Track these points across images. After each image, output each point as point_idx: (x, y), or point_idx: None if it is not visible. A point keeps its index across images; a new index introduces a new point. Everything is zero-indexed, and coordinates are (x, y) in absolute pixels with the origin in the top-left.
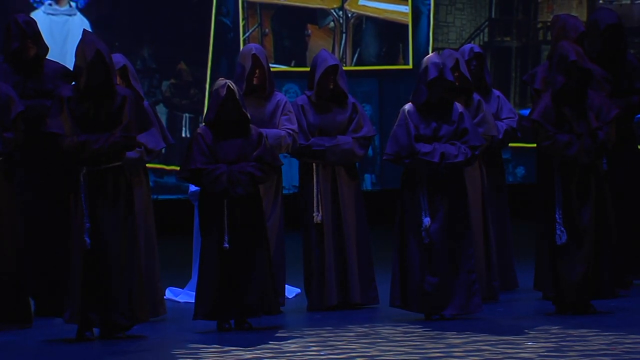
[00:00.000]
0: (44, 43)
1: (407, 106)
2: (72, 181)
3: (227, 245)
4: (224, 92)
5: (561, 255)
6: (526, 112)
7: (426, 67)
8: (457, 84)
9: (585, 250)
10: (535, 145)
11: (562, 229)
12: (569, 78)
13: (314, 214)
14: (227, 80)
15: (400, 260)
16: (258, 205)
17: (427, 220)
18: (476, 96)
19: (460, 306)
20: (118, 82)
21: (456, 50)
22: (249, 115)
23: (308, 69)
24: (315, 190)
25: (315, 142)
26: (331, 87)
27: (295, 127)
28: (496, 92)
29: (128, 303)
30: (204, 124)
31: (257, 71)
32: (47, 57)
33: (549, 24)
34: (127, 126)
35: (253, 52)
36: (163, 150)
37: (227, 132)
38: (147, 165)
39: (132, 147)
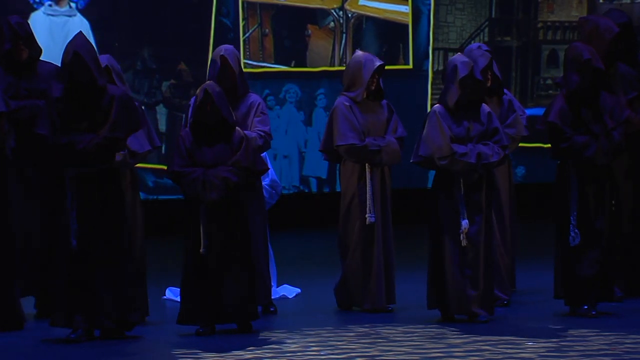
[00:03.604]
0: (37, 45)
1: (437, 108)
2: (59, 182)
3: (204, 250)
4: (201, 96)
5: (574, 256)
6: (529, 111)
7: (455, 66)
8: (488, 83)
9: (599, 252)
10: (533, 145)
11: (577, 231)
12: (583, 78)
13: (367, 215)
14: (208, 84)
15: (436, 263)
16: (240, 210)
17: (465, 223)
18: (506, 96)
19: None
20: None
21: (460, 50)
22: (230, 119)
23: (308, 69)
24: (369, 192)
25: (372, 143)
26: (373, 88)
27: (267, 128)
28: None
29: (115, 305)
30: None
31: (225, 73)
32: (40, 59)
33: (549, 23)
34: (113, 127)
35: (222, 53)
36: (143, 154)
37: (209, 136)
38: (148, 165)
39: (120, 148)
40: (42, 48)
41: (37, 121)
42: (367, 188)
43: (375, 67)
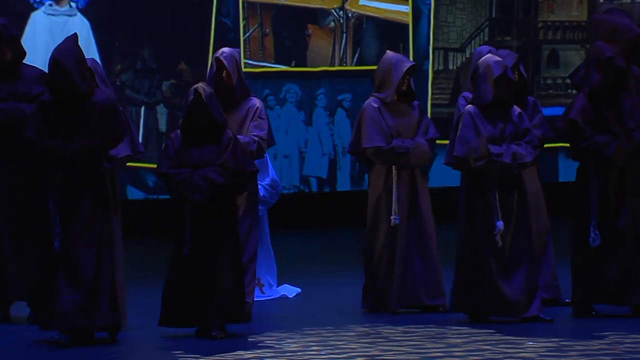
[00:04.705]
0: (22, 47)
1: (471, 108)
2: (45, 186)
3: (187, 251)
4: (192, 97)
5: (595, 258)
6: None
7: (488, 65)
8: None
9: (623, 254)
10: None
11: (597, 232)
12: (606, 76)
13: (392, 217)
14: (200, 85)
15: (469, 264)
16: (228, 211)
17: (500, 224)
18: (530, 97)
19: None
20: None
21: (460, 50)
22: (220, 120)
23: (308, 69)
24: (395, 194)
25: (399, 145)
26: (404, 88)
27: (262, 133)
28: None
29: (103, 307)
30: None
31: (223, 76)
32: (24, 62)
33: (549, 23)
34: (92, 134)
35: (217, 55)
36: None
37: (199, 137)
38: (148, 165)
39: (101, 155)
40: (26, 51)
41: (25, 124)
42: (394, 190)
43: (406, 68)
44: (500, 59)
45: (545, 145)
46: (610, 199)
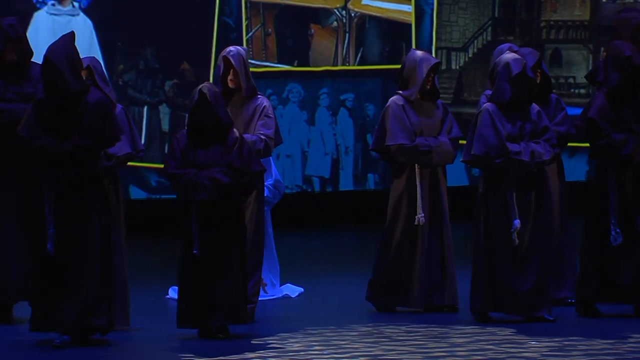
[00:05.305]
0: (29, 47)
1: (489, 106)
2: (40, 186)
3: (196, 251)
4: (196, 97)
5: (610, 257)
6: None
7: (507, 64)
8: (538, 81)
9: (639, 253)
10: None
11: (618, 230)
12: (624, 74)
13: (419, 216)
14: (205, 84)
15: (486, 263)
16: (235, 211)
17: (517, 222)
18: (553, 95)
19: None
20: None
21: (462, 49)
22: (226, 120)
23: (311, 68)
24: (419, 192)
25: (422, 143)
26: (428, 87)
27: (270, 132)
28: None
29: (77, 309)
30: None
31: (230, 74)
32: (32, 60)
33: (552, 23)
34: (82, 134)
35: (224, 54)
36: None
37: (204, 138)
38: (151, 165)
39: (93, 155)
40: (33, 51)
41: (22, 123)
42: (418, 188)
43: (430, 66)
44: (519, 57)
45: None
46: (628, 197)
